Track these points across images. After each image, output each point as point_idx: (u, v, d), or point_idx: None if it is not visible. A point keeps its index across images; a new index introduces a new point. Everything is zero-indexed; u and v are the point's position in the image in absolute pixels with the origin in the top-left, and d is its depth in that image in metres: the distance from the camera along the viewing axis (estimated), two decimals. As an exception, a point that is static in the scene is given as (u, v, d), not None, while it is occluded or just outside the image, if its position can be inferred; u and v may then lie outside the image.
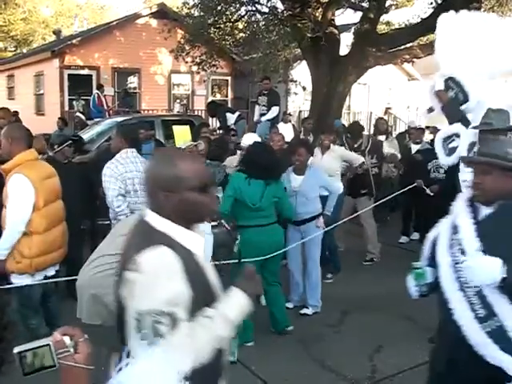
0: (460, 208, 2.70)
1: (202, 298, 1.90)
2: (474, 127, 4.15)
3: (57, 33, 26.03)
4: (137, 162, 5.24)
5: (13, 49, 37.20)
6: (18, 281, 4.34)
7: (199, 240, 2.00)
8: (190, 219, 1.99)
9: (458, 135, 4.50)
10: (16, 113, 14.14)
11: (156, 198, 1.94)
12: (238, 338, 5.04)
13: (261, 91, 10.33)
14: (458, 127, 4.53)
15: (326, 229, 5.70)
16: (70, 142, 6.00)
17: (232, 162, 6.38)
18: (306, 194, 5.41)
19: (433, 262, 2.72)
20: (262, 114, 9.99)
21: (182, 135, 8.83)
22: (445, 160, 4.70)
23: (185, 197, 1.92)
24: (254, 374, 4.39)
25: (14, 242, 4.23)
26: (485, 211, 2.59)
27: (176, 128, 9.08)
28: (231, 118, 10.10)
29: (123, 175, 5.11)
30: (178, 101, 17.66)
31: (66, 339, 1.43)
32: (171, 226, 1.93)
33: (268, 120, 9.78)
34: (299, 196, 5.37)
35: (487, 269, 2.34)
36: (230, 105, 18.54)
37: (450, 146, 4.52)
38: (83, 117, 11.90)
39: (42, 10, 36.95)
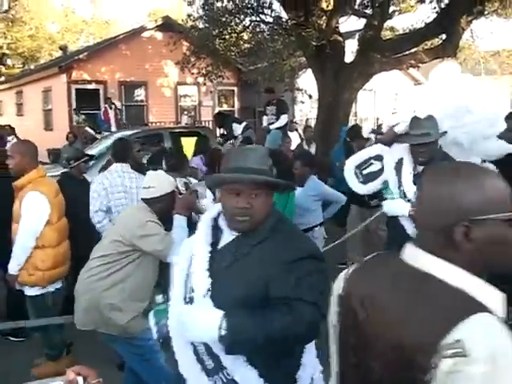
0: (201, 231, 2.22)
1: None
2: (409, 142, 4.10)
3: (63, 48, 26.27)
4: (124, 176, 5.28)
5: (20, 65, 37.57)
6: (30, 292, 4.49)
7: (501, 300, 1.36)
8: (488, 267, 1.38)
9: (378, 157, 4.30)
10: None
11: (445, 233, 1.34)
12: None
13: (269, 101, 10.38)
14: (378, 148, 4.36)
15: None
16: (87, 157, 5.99)
17: None
18: (301, 205, 5.28)
19: None
20: (271, 124, 10.03)
21: (190, 147, 8.89)
22: (360, 188, 4.43)
23: (495, 231, 1.33)
24: None
25: (26, 257, 4.36)
26: (228, 236, 2.15)
27: (184, 140, 9.15)
28: (238, 129, 10.13)
29: (107, 190, 5.18)
30: (186, 112, 17.78)
31: (80, 380, 1.29)
32: (468, 279, 1.34)
33: (277, 128, 9.81)
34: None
35: (202, 325, 1.94)
36: (236, 115, 18.63)
37: (366, 171, 4.30)
38: (92, 131, 12.02)
39: (49, 26, 37.33)
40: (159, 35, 18.54)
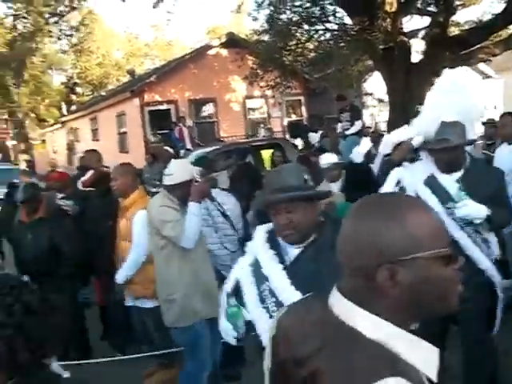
0: (262, 251, 2.38)
1: None
2: (430, 148, 3.78)
3: (131, 72, 27.26)
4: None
5: (89, 93, 39.19)
6: (147, 305, 4.68)
7: (434, 354, 1.18)
8: (420, 312, 1.21)
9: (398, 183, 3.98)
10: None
11: (367, 277, 1.17)
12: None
13: (342, 108, 10.48)
14: (396, 173, 4.02)
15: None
16: None
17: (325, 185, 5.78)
18: None
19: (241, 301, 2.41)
20: (346, 130, 10.13)
21: (269, 159, 9.08)
22: None
23: (426, 271, 1.16)
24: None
25: (135, 270, 4.62)
26: (292, 251, 2.34)
27: (264, 152, 9.34)
28: (315, 137, 10.25)
29: None
30: (262, 125, 18.02)
31: None
32: (394, 333, 1.16)
33: (352, 134, 9.89)
34: None
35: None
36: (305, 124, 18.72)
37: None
38: (171, 150, 12.39)
39: (114, 53, 38.81)
40: (224, 52, 18.92)
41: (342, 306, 1.23)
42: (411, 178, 3.86)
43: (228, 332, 2.41)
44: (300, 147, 10.86)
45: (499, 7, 12.86)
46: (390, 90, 12.46)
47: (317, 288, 2.08)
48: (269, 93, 16.20)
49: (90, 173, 6.57)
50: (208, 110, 19.76)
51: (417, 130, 4.05)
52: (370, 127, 14.19)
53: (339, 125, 10.49)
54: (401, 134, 4.36)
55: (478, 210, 3.57)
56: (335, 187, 5.83)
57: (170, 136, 16.14)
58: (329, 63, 13.33)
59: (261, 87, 15.13)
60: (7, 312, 1.39)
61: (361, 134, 10.22)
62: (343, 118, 10.27)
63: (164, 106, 18.65)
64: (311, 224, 2.27)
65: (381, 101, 15.14)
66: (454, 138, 3.62)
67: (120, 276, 4.72)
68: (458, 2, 13.79)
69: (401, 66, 12.04)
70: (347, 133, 10.01)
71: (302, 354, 1.25)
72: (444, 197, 3.67)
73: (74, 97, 37.38)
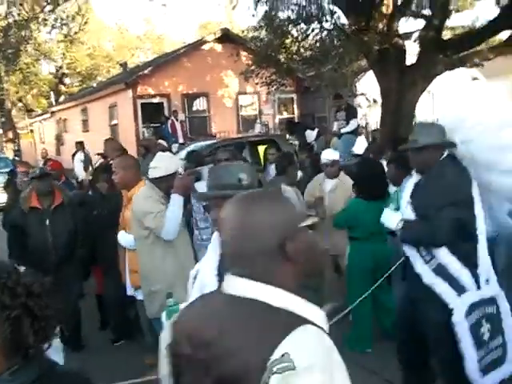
0: (213, 240, 2.45)
1: None
2: (400, 148, 3.88)
3: (123, 65, 27.17)
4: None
5: (77, 84, 38.92)
6: (140, 297, 4.67)
7: (323, 317, 1.42)
8: (303, 275, 1.47)
9: None
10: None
11: (270, 255, 1.38)
12: (358, 345, 5.00)
13: (338, 107, 10.56)
14: None
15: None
16: None
17: (319, 179, 6.21)
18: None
19: None
20: (341, 128, 10.22)
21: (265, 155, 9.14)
22: None
23: (304, 240, 1.43)
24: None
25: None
26: None
27: (260, 148, 9.39)
28: (311, 135, 10.32)
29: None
30: (259, 121, 18.00)
31: None
32: (290, 299, 1.38)
33: (347, 133, 9.99)
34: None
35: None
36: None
37: None
38: (165, 143, 12.42)
39: (105, 44, 38.57)
40: (218, 47, 18.97)
41: (244, 287, 1.39)
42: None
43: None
44: (295, 144, 10.95)
45: (493, 12, 12.98)
46: (383, 91, 12.54)
47: None
48: (262, 90, 16.19)
49: (99, 162, 6.57)
50: (200, 104, 19.76)
51: None
52: (363, 127, 14.28)
53: (335, 123, 10.58)
54: None
55: (388, 219, 3.64)
56: (330, 184, 5.94)
57: (162, 130, 16.14)
58: (324, 62, 13.37)
59: (256, 84, 15.16)
60: (11, 294, 1.38)
61: (356, 132, 10.32)
62: (339, 116, 10.36)
63: (157, 100, 18.62)
64: None
65: (375, 101, 15.21)
66: (421, 138, 3.51)
67: (123, 237, 4.72)
68: (452, 6, 13.93)
69: (395, 68, 12.12)
70: (342, 131, 10.10)
71: (207, 340, 1.36)
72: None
73: (62, 87, 37.16)
